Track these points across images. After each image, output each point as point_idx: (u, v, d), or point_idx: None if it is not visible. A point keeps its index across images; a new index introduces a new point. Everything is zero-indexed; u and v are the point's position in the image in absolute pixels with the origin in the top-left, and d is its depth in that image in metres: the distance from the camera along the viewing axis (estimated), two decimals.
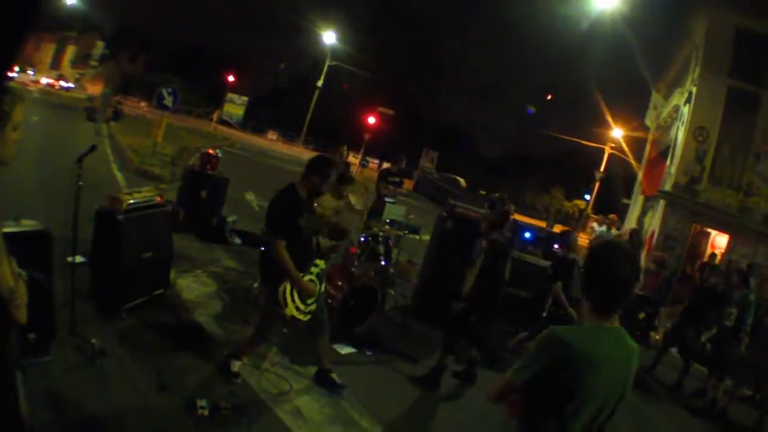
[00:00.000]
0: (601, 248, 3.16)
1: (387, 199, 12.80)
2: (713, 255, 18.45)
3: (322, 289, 6.19)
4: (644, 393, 10.16)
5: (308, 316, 5.93)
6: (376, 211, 12.80)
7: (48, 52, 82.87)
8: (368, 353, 8.00)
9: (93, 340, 5.71)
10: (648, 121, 35.57)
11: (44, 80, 67.34)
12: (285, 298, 5.67)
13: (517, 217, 15.57)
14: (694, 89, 24.08)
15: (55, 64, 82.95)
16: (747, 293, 11.14)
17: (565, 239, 9.83)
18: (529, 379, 2.91)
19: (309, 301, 5.89)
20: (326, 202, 8.45)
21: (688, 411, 10.23)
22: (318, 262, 6.09)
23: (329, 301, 7.59)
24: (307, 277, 5.87)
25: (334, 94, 71.93)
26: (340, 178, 8.53)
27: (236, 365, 6.09)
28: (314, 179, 5.97)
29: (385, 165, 17.45)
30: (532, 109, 76.14)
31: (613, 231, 19.57)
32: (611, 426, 3.10)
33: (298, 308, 5.76)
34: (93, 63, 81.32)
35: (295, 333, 7.15)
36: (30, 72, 69.25)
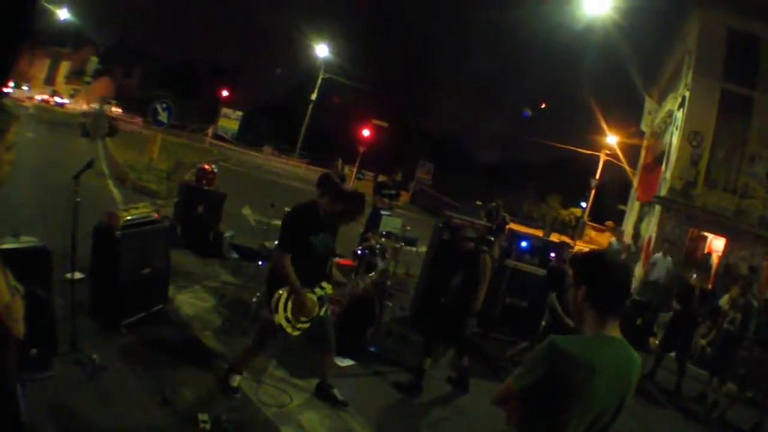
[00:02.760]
0: (594, 256, 3.20)
1: (383, 212, 12.83)
2: (707, 255, 18.44)
3: (323, 312, 6.15)
4: (644, 398, 10.16)
5: (297, 332, 5.88)
6: (372, 223, 12.83)
7: (42, 67, 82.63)
8: (371, 349, 7.97)
9: (94, 356, 5.73)
10: (644, 127, 35.64)
11: (38, 96, 67.12)
12: (277, 305, 5.67)
13: (514, 226, 15.59)
14: (687, 93, 24.15)
15: (50, 80, 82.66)
16: (751, 299, 11.16)
17: (561, 252, 9.88)
18: (527, 385, 2.92)
19: (303, 318, 5.85)
20: None
21: (689, 415, 10.25)
22: (325, 285, 6.08)
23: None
24: (308, 295, 5.86)
25: (328, 107, 71.97)
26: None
27: (236, 380, 6.08)
28: (339, 206, 5.96)
29: (381, 178, 17.47)
30: (528, 112, 76.20)
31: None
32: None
33: (287, 319, 5.73)
34: (87, 78, 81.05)
35: (296, 346, 7.18)
36: (24, 88, 68.81)
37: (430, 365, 7.90)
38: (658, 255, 18.70)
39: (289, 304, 5.73)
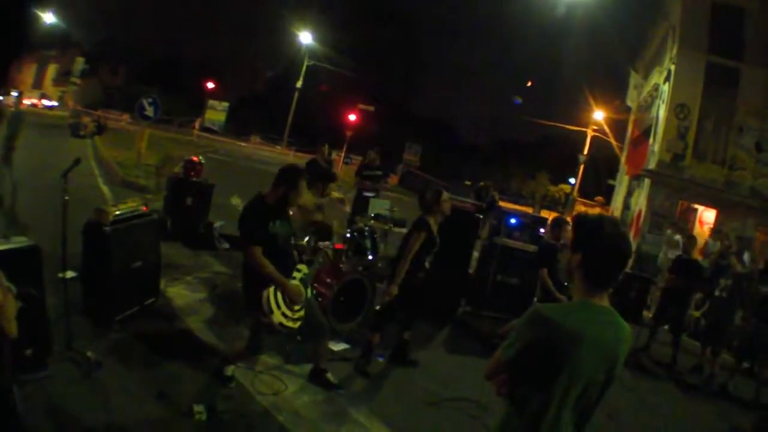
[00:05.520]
0: (595, 222, 3.08)
1: (366, 194, 12.81)
2: (679, 226, 18.49)
3: (309, 293, 6.15)
4: (640, 372, 10.25)
5: (297, 323, 5.78)
6: (358, 206, 12.81)
7: (30, 72, 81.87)
8: (379, 359, 7.97)
9: (89, 353, 5.75)
10: (629, 101, 35.63)
11: (27, 101, 66.50)
12: (270, 306, 5.53)
13: (504, 204, 15.62)
14: (672, 67, 24.15)
15: (38, 84, 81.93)
16: (733, 262, 11.27)
17: (559, 228, 9.89)
18: (514, 356, 2.91)
19: (296, 307, 5.76)
20: (307, 200, 8.34)
21: (686, 388, 10.28)
22: (300, 267, 6.02)
23: (319, 299, 7.60)
24: (291, 282, 5.82)
25: (314, 94, 71.69)
26: (323, 177, 8.46)
27: (230, 369, 6.11)
28: (281, 190, 5.88)
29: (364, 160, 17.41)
30: (519, 100, 75.73)
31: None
32: (610, 406, 3.12)
33: (285, 315, 5.62)
34: (74, 79, 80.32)
35: (290, 335, 7.21)
36: (14, 94, 68.25)
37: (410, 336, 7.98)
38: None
39: (279, 299, 5.63)
